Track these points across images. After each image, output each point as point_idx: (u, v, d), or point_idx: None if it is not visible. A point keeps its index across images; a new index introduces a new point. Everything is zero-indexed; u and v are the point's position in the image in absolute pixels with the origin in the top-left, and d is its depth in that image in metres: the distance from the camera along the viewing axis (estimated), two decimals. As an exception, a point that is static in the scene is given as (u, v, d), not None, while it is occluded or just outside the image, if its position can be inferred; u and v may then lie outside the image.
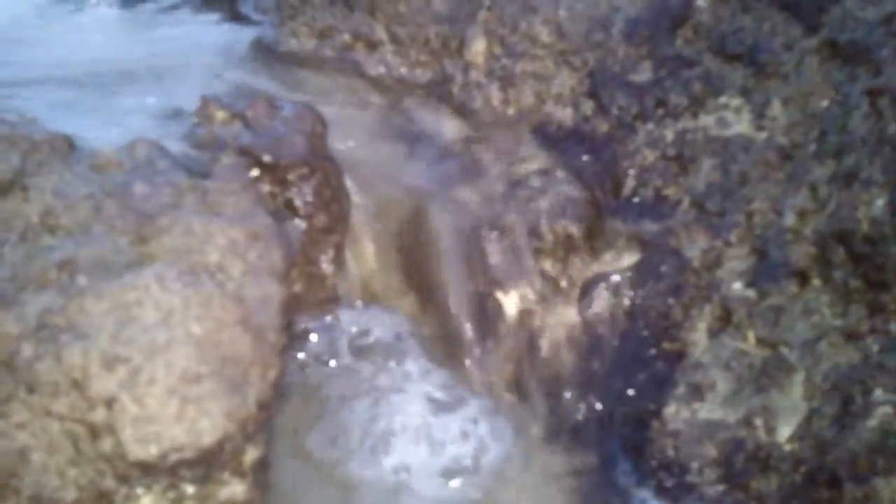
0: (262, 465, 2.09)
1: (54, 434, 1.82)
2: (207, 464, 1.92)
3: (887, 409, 2.08)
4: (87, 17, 3.66)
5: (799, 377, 2.35)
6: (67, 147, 2.33)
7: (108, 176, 2.30)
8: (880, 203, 2.30)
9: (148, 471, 1.85)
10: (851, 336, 2.31)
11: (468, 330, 2.80)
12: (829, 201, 2.49)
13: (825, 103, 2.69)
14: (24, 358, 1.84)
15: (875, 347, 2.23)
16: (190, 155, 2.55)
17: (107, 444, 1.83)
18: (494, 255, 2.85)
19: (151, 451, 1.83)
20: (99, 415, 1.83)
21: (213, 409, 1.90)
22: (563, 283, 2.84)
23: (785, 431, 2.29)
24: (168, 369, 1.87)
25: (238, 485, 2.02)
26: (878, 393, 2.13)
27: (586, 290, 2.82)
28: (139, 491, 1.88)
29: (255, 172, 2.55)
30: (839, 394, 2.23)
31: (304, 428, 2.51)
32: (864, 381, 2.18)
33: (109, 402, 1.83)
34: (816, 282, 2.47)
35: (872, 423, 2.08)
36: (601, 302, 2.79)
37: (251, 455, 2.03)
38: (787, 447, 2.26)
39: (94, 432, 1.83)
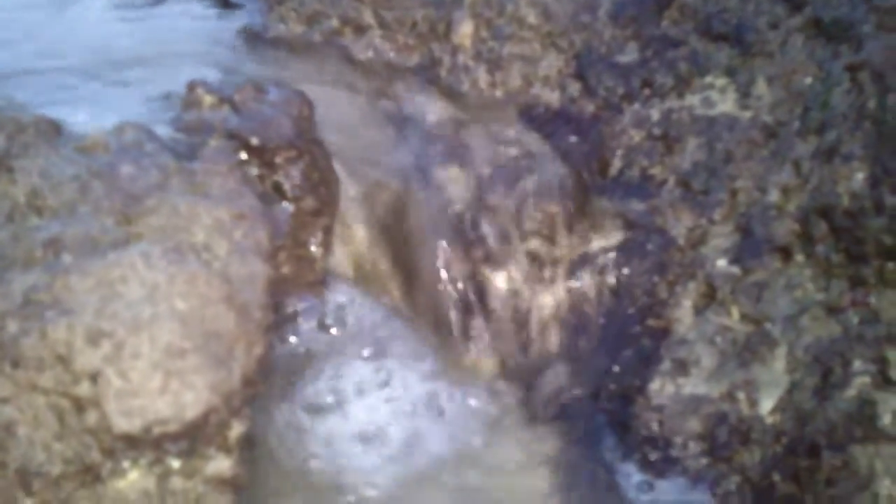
0: (248, 441, 2.11)
1: (40, 408, 1.85)
2: (192, 437, 1.94)
3: (865, 379, 2.10)
4: (78, 4, 3.68)
5: (781, 351, 2.36)
6: (54, 130, 2.36)
7: (95, 158, 2.32)
8: (860, 177, 2.31)
9: (133, 444, 1.88)
10: (833, 310, 2.33)
11: (456, 311, 2.82)
12: (812, 177, 2.50)
13: (808, 80, 2.70)
14: (9, 333, 1.86)
15: (855, 320, 2.25)
16: (177, 138, 2.57)
17: (92, 418, 1.85)
18: (482, 236, 2.86)
19: (136, 424, 1.85)
20: (84, 388, 1.85)
21: (197, 382, 1.92)
22: (550, 263, 2.86)
23: (767, 404, 2.31)
24: (152, 344, 1.90)
25: (224, 460, 2.04)
26: (857, 364, 2.15)
27: (573, 269, 2.84)
28: (125, 465, 1.91)
29: (242, 155, 2.57)
30: (820, 366, 2.25)
31: (288, 408, 2.53)
32: (843, 353, 2.20)
33: (94, 376, 1.85)
34: (799, 257, 2.49)
35: (851, 392, 2.10)
36: (587, 281, 2.81)
37: (237, 430, 2.05)
38: (769, 419, 2.28)
39: (79, 406, 1.86)
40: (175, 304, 1.97)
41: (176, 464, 1.97)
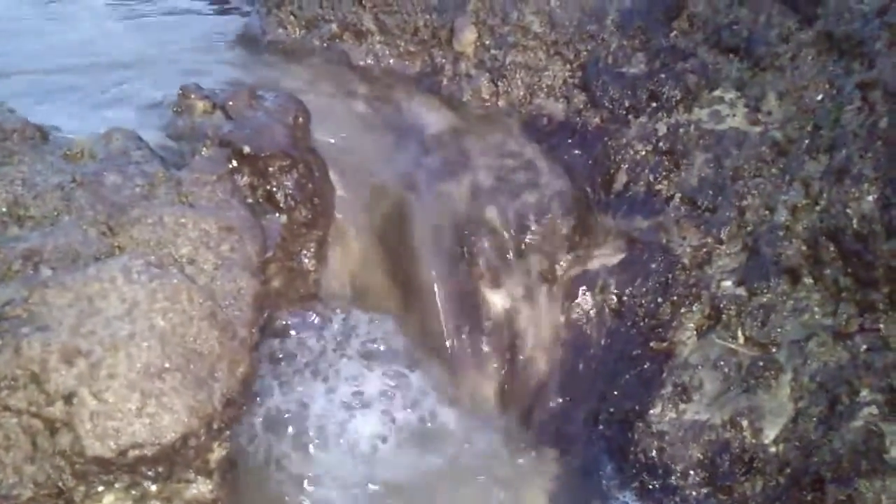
0: (230, 464, 2.04)
1: (11, 429, 1.78)
2: (170, 461, 1.87)
3: (872, 410, 2.01)
4: (76, 5, 3.62)
5: (786, 377, 2.28)
6: (39, 136, 2.29)
7: (81, 166, 2.26)
8: (870, 199, 2.22)
9: (107, 468, 1.80)
10: (840, 335, 2.24)
11: (451, 329, 2.74)
12: (821, 197, 2.42)
13: (819, 97, 2.62)
14: (-18, 350, 1.80)
15: (863, 347, 2.16)
16: (167, 146, 2.51)
17: (65, 440, 1.78)
18: (480, 250, 2.79)
19: (110, 447, 1.78)
20: (57, 409, 1.78)
21: (176, 404, 1.85)
22: (550, 281, 2.78)
23: (771, 433, 2.23)
24: (129, 363, 1.83)
25: (204, 484, 1.97)
26: (865, 393, 2.06)
27: (573, 287, 2.76)
28: (100, 489, 1.84)
29: (233, 164, 2.50)
30: (826, 394, 2.16)
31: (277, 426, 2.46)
32: (850, 382, 2.11)
33: (68, 397, 1.78)
34: (807, 280, 2.41)
35: (857, 423, 2.02)
36: (588, 300, 2.73)
37: (218, 453, 1.98)
38: (773, 449, 2.20)
39: (52, 428, 1.79)
40: (155, 321, 1.90)
41: (153, 487, 1.90)
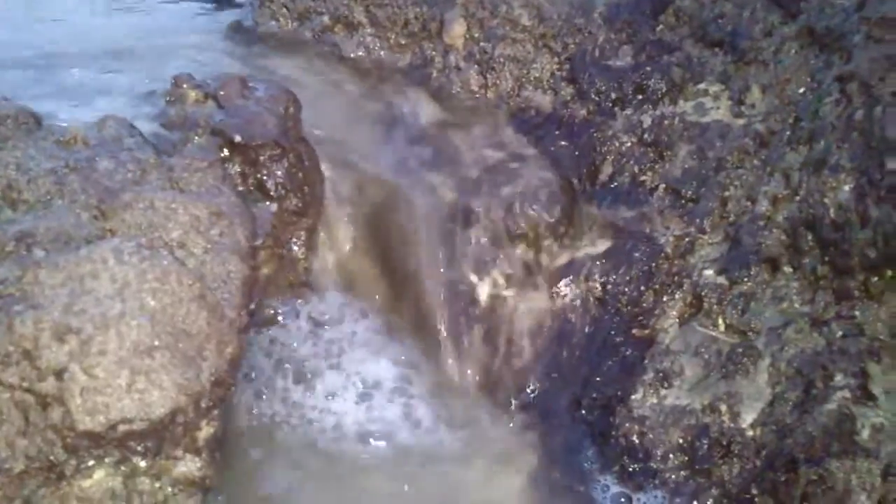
0: (218, 443, 2.08)
1: (3, 404, 1.82)
2: (159, 437, 1.91)
3: (845, 394, 2.06)
4: (71, -2, 3.67)
5: (764, 363, 2.33)
6: (33, 122, 2.33)
7: (74, 152, 2.29)
8: (847, 189, 2.28)
9: (97, 442, 1.85)
10: (817, 322, 2.29)
11: (441, 315, 2.79)
12: (801, 188, 2.47)
13: (801, 90, 2.67)
14: (-25, 328, 1.84)
15: (839, 333, 2.22)
16: (159, 133, 2.54)
17: (56, 415, 1.82)
18: (468, 240, 2.83)
19: (100, 422, 1.83)
20: (49, 385, 1.82)
21: (165, 381, 1.89)
22: (536, 269, 2.83)
23: (748, 417, 2.28)
24: (120, 340, 1.87)
25: (192, 461, 2.01)
26: (839, 378, 2.11)
27: (558, 275, 2.81)
28: (90, 463, 1.88)
29: (224, 152, 2.54)
30: (802, 379, 2.21)
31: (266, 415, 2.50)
32: (825, 367, 2.16)
33: (59, 373, 1.82)
34: (787, 269, 2.46)
35: (830, 407, 2.07)
36: (573, 288, 2.78)
37: (206, 431, 2.02)
38: (750, 432, 2.25)
39: (44, 402, 1.83)
40: (145, 300, 1.94)
41: (142, 464, 1.94)
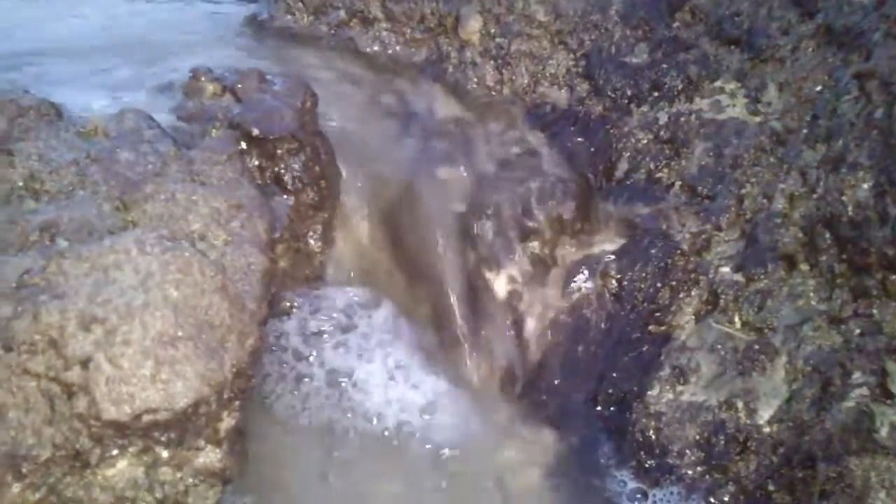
0: (239, 434, 2.08)
1: (31, 392, 1.82)
2: (182, 428, 1.92)
3: (864, 391, 2.07)
4: (86, -9, 3.67)
5: (781, 360, 2.34)
6: (55, 113, 2.35)
7: (95, 143, 2.31)
8: (865, 187, 2.28)
9: (122, 431, 1.85)
10: (835, 320, 2.30)
11: (457, 310, 2.79)
12: (818, 185, 2.47)
13: (818, 88, 2.67)
14: (2, 316, 1.84)
15: (856, 331, 2.22)
16: (178, 126, 2.56)
17: (81, 404, 1.83)
18: (484, 235, 2.84)
19: (125, 411, 1.83)
20: (74, 374, 1.83)
21: (188, 371, 1.90)
22: (552, 265, 2.84)
23: (765, 414, 2.28)
24: (144, 331, 1.87)
25: (213, 452, 2.01)
26: (857, 375, 2.12)
27: (574, 271, 2.81)
28: (114, 452, 1.88)
29: (242, 145, 2.55)
30: (819, 376, 2.22)
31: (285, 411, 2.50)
32: (843, 364, 2.17)
33: (85, 362, 1.83)
34: (803, 266, 2.47)
35: (849, 404, 2.07)
36: (589, 284, 2.78)
37: (227, 422, 2.03)
38: (767, 429, 2.26)
39: (70, 391, 1.83)
40: (168, 291, 1.95)
41: (165, 454, 1.94)
